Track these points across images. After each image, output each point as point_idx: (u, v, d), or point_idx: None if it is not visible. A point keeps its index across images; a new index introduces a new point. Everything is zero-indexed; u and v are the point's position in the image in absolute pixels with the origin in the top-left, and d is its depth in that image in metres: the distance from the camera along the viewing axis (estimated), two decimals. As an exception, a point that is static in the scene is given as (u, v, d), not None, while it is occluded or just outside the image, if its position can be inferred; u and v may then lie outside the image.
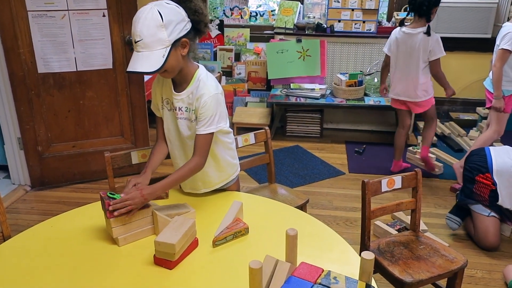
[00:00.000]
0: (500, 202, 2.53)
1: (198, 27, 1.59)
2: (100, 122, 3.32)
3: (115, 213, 1.45)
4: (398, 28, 3.22)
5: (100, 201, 1.55)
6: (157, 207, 1.58)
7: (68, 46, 3.06)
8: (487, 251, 2.59)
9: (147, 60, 1.48)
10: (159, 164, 1.76)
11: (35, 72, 3.04)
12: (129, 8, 3.10)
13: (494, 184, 2.52)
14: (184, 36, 1.54)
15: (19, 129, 3.15)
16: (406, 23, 3.20)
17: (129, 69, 1.51)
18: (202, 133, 1.63)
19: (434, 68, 3.16)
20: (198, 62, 1.72)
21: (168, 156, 1.87)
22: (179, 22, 1.51)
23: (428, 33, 3.06)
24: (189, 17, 1.55)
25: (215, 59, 4.66)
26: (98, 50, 3.13)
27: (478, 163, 2.60)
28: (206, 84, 1.63)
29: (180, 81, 1.66)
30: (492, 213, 2.56)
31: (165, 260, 1.37)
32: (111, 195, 1.49)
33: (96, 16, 3.06)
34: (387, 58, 3.36)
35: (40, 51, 3.01)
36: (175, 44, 1.52)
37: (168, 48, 1.50)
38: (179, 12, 1.52)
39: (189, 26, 1.55)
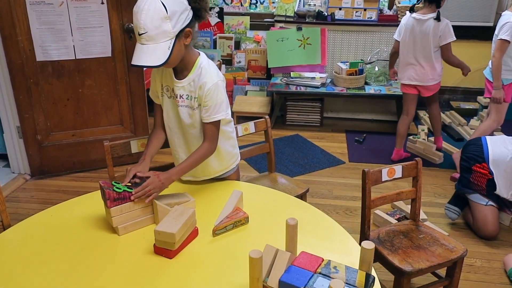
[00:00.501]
0: (497, 192, 2.53)
1: (199, 14, 1.57)
2: (99, 111, 3.30)
3: (136, 200, 1.48)
4: (408, 14, 3.25)
5: (100, 190, 1.54)
6: (157, 196, 1.57)
7: (67, 34, 3.03)
8: (486, 240, 2.60)
9: (152, 53, 1.47)
10: (156, 151, 1.77)
11: (33, 60, 3.02)
12: (128, -4, 3.08)
13: (491, 173, 2.52)
14: (187, 26, 1.52)
15: (18, 118, 3.14)
16: (415, 10, 3.24)
17: (135, 62, 1.48)
18: (210, 121, 1.64)
19: (445, 53, 3.21)
20: (198, 50, 1.70)
21: (166, 145, 1.87)
22: (182, 12, 1.49)
23: (438, 18, 3.10)
24: (189, 5, 1.52)
25: (214, 47, 4.63)
26: (97, 38, 3.11)
27: (475, 153, 2.60)
28: (208, 72, 1.63)
29: (181, 69, 1.64)
30: (490, 202, 2.56)
31: (165, 249, 1.37)
32: (116, 186, 1.49)
33: (94, 4, 3.03)
34: (397, 44, 3.39)
35: (39, 39, 2.98)
36: (179, 34, 1.50)
37: (173, 40, 1.48)
38: (182, 2, 1.49)
39: (190, 14, 1.53)
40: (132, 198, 1.48)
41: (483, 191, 2.57)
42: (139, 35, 1.46)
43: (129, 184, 1.54)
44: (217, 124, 1.67)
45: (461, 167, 2.69)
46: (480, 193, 2.58)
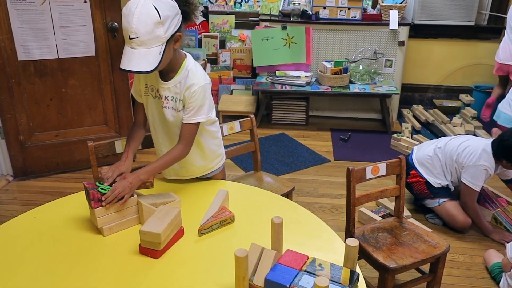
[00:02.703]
0: (437, 185, 2.64)
1: (187, 17, 1.56)
2: (83, 111, 3.27)
3: (108, 206, 1.44)
4: None
5: (84, 191, 1.53)
6: (142, 196, 1.57)
7: (49, 33, 2.99)
8: (464, 232, 2.65)
9: (144, 58, 1.44)
10: (137, 148, 1.77)
11: (15, 60, 2.97)
12: (111, -6, 3.05)
13: (422, 176, 2.66)
14: (177, 30, 1.51)
15: (0, 118, 3.08)
16: None
17: (125, 67, 1.45)
18: (189, 122, 1.63)
19: None
20: (182, 49, 1.70)
21: (151, 144, 1.86)
22: (174, 17, 1.48)
23: None
24: (179, 8, 1.51)
25: (199, 46, 4.61)
26: (80, 37, 3.07)
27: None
28: (195, 74, 1.62)
29: (167, 70, 1.63)
30: (441, 200, 2.65)
31: (150, 249, 1.36)
32: (101, 187, 1.48)
33: (77, 2, 2.99)
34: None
35: (20, 38, 2.94)
36: (169, 39, 1.49)
37: (164, 45, 1.47)
38: (174, 6, 1.48)
39: (180, 18, 1.52)
40: (103, 204, 1.44)
41: (429, 195, 2.69)
42: (130, 39, 1.43)
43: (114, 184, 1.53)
44: (196, 126, 1.65)
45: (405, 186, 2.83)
46: (428, 198, 2.70)
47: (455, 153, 2.57)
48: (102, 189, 1.47)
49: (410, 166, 2.72)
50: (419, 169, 2.68)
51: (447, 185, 2.67)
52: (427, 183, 2.66)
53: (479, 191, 2.55)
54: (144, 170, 1.58)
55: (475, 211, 2.60)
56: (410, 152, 3.59)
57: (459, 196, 2.66)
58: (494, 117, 3.43)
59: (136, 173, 1.55)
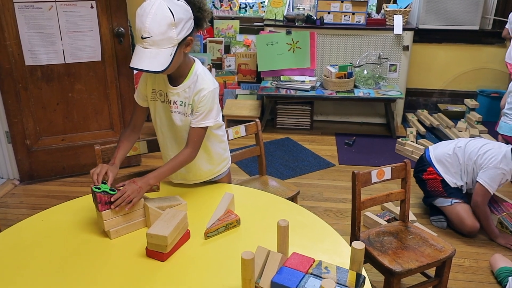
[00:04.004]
0: (452, 185, 2.65)
1: (199, 24, 1.58)
2: (89, 115, 3.29)
3: (117, 209, 1.45)
4: None
5: (91, 194, 1.54)
6: (148, 199, 1.58)
7: (56, 38, 3.02)
8: (470, 236, 2.64)
9: (155, 58, 1.46)
10: (127, 154, 1.75)
11: (22, 65, 3.00)
12: (118, 0, 3.07)
13: (439, 174, 2.67)
14: (189, 35, 1.53)
15: (6, 122, 3.11)
16: None
17: (135, 65, 1.46)
18: (198, 126, 1.64)
19: None
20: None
21: (157, 149, 1.87)
22: (187, 21, 1.50)
23: None
24: (193, 13, 1.53)
25: (204, 51, 4.64)
26: (86, 42, 3.10)
27: (419, 165, 2.81)
28: (204, 79, 1.64)
29: (176, 75, 1.64)
30: (454, 200, 2.64)
31: (157, 252, 1.37)
32: (111, 191, 1.49)
33: (84, 8, 3.02)
34: None
35: (28, 43, 2.97)
36: (181, 42, 1.50)
37: (176, 47, 1.49)
38: (188, 10, 1.50)
39: (193, 23, 1.54)
40: (112, 207, 1.45)
41: (443, 193, 2.68)
42: (142, 38, 1.45)
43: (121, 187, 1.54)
44: (204, 130, 1.66)
45: (416, 182, 2.85)
46: (441, 196, 2.68)
47: (476, 154, 2.59)
48: (110, 190, 1.48)
49: (426, 163, 2.74)
50: (436, 167, 2.68)
51: (461, 186, 2.68)
52: (443, 181, 2.66)
53: (492, 193, 2.56)
54: (153, 175, 1.59)
55: (484, 213, 2.60)
56: (415, 155, 3.62)
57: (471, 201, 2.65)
58: (497, 129, 3.45)
59: (145, 178, 1.56)
